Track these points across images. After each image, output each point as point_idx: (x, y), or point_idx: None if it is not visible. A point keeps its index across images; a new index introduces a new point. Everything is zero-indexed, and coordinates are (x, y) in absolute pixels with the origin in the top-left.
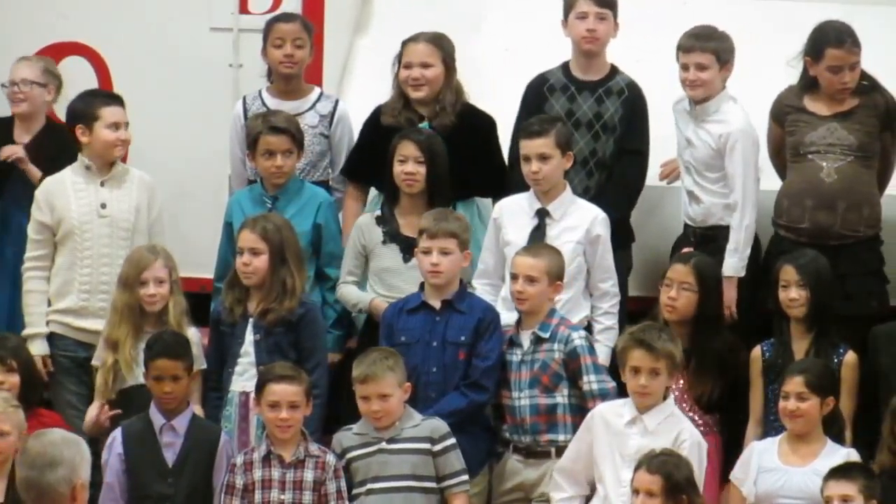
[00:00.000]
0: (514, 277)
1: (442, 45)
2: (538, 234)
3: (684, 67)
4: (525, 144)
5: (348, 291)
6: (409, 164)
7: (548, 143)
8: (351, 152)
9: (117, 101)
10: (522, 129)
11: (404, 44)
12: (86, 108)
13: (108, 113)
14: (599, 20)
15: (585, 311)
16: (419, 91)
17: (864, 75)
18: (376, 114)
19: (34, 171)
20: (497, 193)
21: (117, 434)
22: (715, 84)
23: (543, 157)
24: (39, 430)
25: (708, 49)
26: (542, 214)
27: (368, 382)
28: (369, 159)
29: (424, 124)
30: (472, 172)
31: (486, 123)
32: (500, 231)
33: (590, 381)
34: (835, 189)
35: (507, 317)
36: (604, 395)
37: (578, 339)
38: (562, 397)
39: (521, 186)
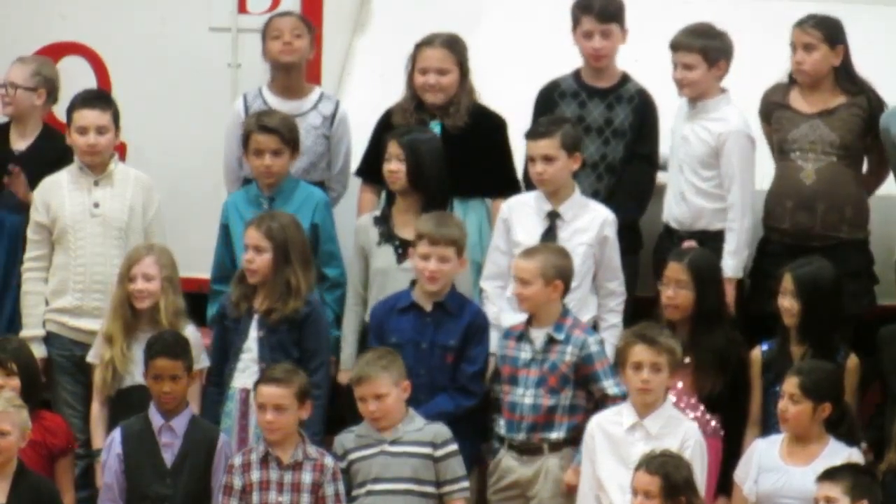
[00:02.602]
0: (514, 280)
1: (457, 48)
2: (549, 236)
3: (674, 66)
4: (530, 146)
5: (344, 337)
6: (392, 162)
7: (552, 145)
8: (364, 153)
9: (94, 104)
10: (529, 131)
11: (419, 47)
12: (68, 109)
13: (78, 116)
14: (604, 37)
15: (593, 310)
16: (436, 97)
17: (855, 79)
18: (388, 115)
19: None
20: (507, 194)
21: (116, 434)
22: (703, 84)
23: (548, 159)
24: None
25: (694, 48)
26: (552, 216)
27: (363, 383)
28: (380, 159)
29: (435, 124)
30: (482, 173)
31: (496, 124)
32: (510, 231)
33: (611, 385)
34: (814, 190)
35: (513, 318)
36: (624, 396)
37: (594, 344)
38: (564, 399)
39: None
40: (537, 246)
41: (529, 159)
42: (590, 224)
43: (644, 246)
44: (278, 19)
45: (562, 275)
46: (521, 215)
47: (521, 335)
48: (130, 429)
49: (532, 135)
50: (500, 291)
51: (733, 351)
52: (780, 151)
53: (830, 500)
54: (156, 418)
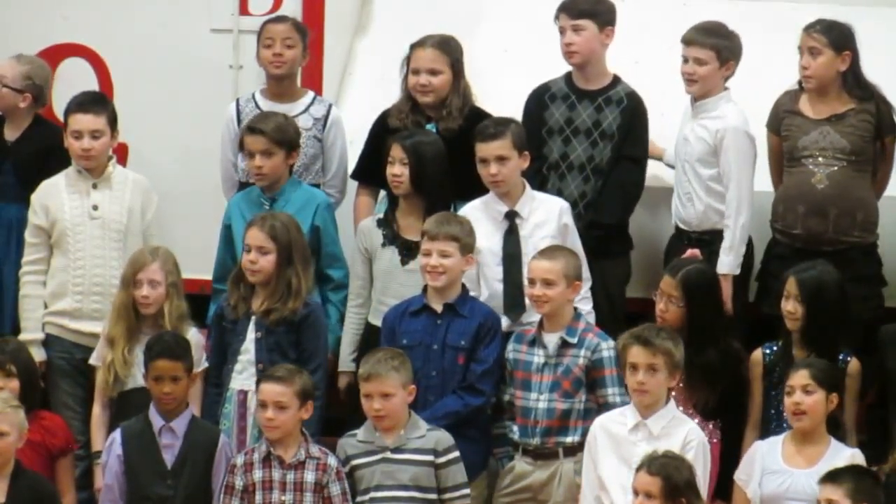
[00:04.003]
0: (531, 282)
1: (449, 49)
2: (512, 236)
3: (684, 60)
4: (481, 147)
5: (344, 337)
6: (395, 166)
7: (505, 145)
8: (360, 155)
9: (88, 108)
10: (478, 133)
11: (412, 48)
12: (64, 114)
13: (73, 121)
14: (575, 32)
15: None
16: (427, 97)
17: (863, 85)
18: (384, 116)
19: None
20: None
21: (116, 435)
22: (712, 81)
23: (501, 159)
24: None
25: (707, 44)
26: (511, 216)
27: (371, 380)
28: (377, 161)
29: (431, 126)
30: (477, 175)
31: None
32: None
33: (613, 394)
34: (826, 195)
35: None
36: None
37: (607, 349)
38: (578, 402)
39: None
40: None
41: (481, 161)
42: (548, 216)
43: (634, 247)
44: (272, 25)
45: (579, 275)
46: (478, 222)
47: (534, 339)
48: (130, 430)
49: (483, 136)
50: None
51: (728, 365)
52: (791, 157)
53: (832, 502)
54: (156, 419)
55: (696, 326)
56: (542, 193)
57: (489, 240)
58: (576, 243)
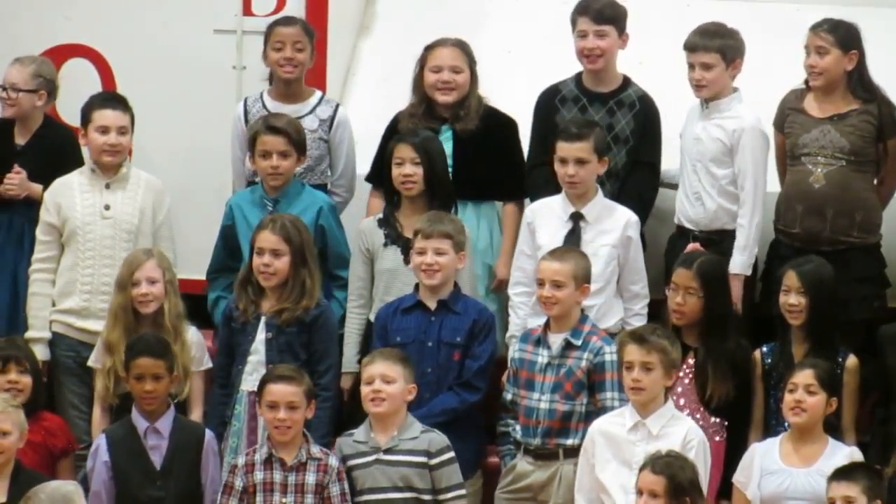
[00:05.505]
0: (540, 283)
1: (468, 51)
2: (573, 238)
3: (690, 67)
4: (563, 147)
5: (347, 339)
6: (406, 167)
7: (587, 148)
8: (374, 158)
9: (115, 104)
10: (562, 132)
11: (429, 48)
12: (84, 110)
13: (98, 116)
14: (598, 38)
15: (619, 314)
16: (449, 95)
17: (868, 86)
18: (396, 120)
19: (35, 189)
20: (517, 197)
21: (101, 441)
22: (721, 83)
23: (581, 161)
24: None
25: (713, 48)
26: (576, 218)
27: (375, 362)
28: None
29: (445, 127)
30: (493, 175)
31: (507, 126)
32: (534, 235)
33: (612, 398)
34: (824, 194)
35: (539, 322)
36: None
37: (609, 353)
38: (580, 405)
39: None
40: (563, 248)
41: (560, 160)
42: (613, 225)
43: (647, 248)
44: (282, 29)
45: (588, 278)
46: (545, 219)
47: (539, 339)
48: (115, 434)
49: (567, 136)
50: (528, 298)
51: (741, 356)
52: (792, 156)
53: (850, 500)
54: (140, 422)
55: (714, 316)
56: (614, 202)
57: (552, 238)
58: (637, 257)
